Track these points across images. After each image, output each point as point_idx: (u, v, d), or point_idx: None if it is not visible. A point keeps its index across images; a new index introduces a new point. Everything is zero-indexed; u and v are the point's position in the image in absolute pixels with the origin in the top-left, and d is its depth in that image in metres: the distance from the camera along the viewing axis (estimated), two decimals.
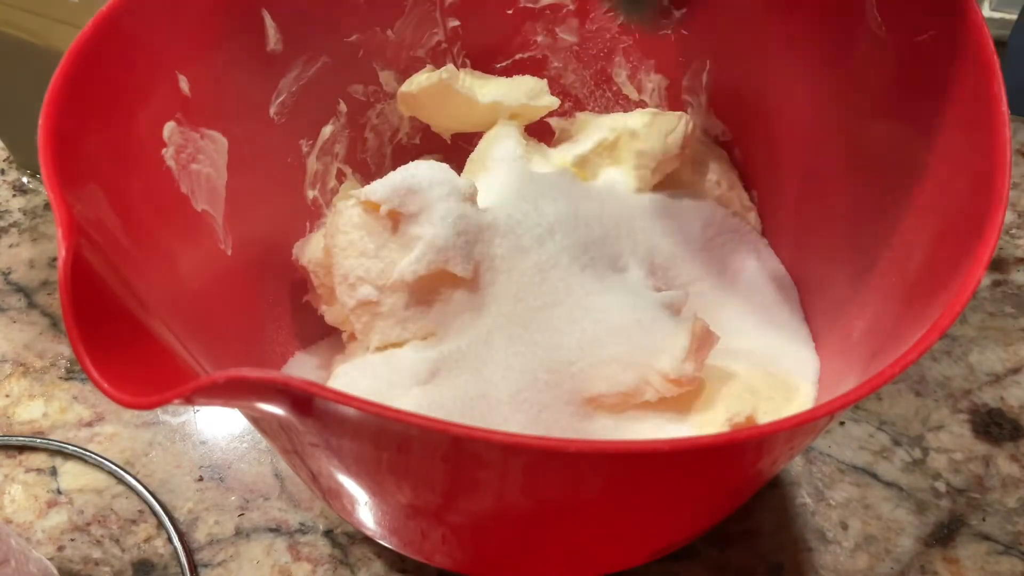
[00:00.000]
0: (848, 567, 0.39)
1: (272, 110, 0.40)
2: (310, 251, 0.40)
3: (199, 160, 0.35)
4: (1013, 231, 0.51)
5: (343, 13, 0.40)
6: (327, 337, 0.42)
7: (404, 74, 0.43)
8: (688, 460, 0.25)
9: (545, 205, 0.37)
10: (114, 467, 0.42)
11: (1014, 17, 0.57)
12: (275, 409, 0.23)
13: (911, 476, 0.42)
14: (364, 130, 0.45)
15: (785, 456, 0.31)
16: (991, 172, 0.27)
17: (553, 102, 0.43)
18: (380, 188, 0.35)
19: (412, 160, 0.36)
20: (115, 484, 0.42)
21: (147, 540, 0.40)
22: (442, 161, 0.36)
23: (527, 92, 0.43)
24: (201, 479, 0.42)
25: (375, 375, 0.35)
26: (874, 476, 0.42)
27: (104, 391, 0.22)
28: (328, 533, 0.40)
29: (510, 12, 0.44)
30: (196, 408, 0.45)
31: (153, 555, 0.40)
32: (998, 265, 0.50)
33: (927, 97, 0.32)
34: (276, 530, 0.40)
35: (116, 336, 0.25)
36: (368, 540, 0.40)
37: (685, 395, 0.34)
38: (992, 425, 0.44)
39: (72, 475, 0.42)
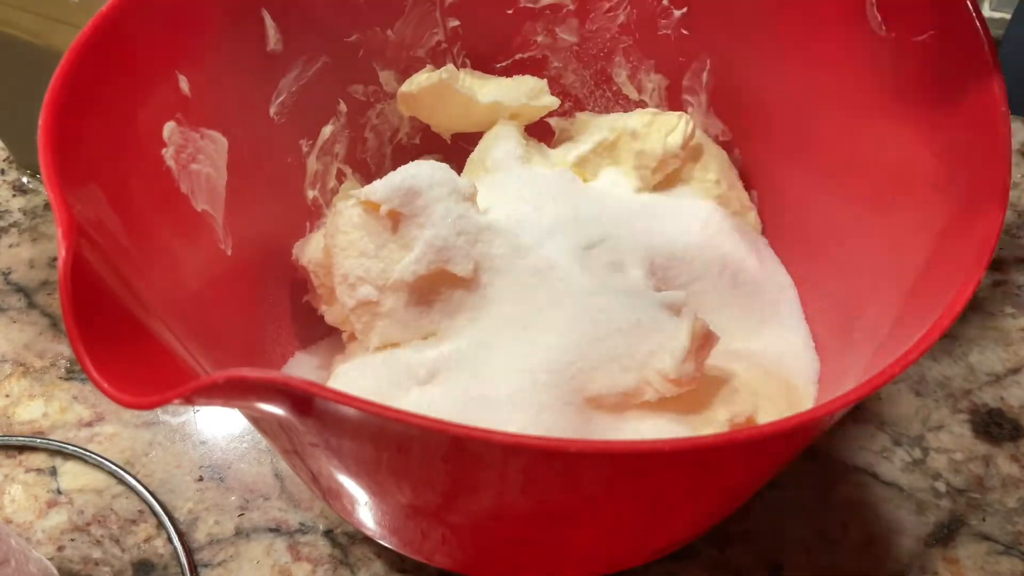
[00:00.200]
0: (848, 567, 0.39)
1: (272, 110, 0.40)
2: (310, 251, 0.40)
3: (199, 160, 0.35)
4: (1013, 231, 0.51)
5: (343, 13, 0.40)
6: (327, 337, 0.42)
7: (404, 74, 0.43)
8: (688, 460, 0.25)
9: (545, 205, 0.37)
10: (114, 467, 0.42)
11: None
12: (275, 409, 0.23)
13: (911, 476, 0.42)
14: (364, 130, 0.45)
15: (785, 456, 0.31)
16: (991, 172, 0.27)
17: (553, 102, 0.43)
18: (380, 188, 0.35)
19: (412, 160, 0.36)
20: (115, 484, 0.42)
21: (147, 540, 0.40)
22: (442, 161, 0.36)
23: (527, 92, 0.43)
24: (201, 479, 0.42)
25: (375, 375, 0.35)
26: (874, 476, 0.42)
27: (104, 391, 0.22)
28: (328, 533, 0.40)
29: (510, 12, 0.44)
30: (196, 408, 0.45)
31: (153, 555, 0.40)
32: (998, 265, 0.50)
33: (927, 97, 0.32)
34: (276, 530, 0.40)
35: (116, 336, 0.25)
36: (368, 540, 0.40)
37: (685, 395, 0.34)
38: (992, 425, 0.44)
39: (72, 475, 0.42)
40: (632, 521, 0.31)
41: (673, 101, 0.45)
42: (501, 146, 0.41)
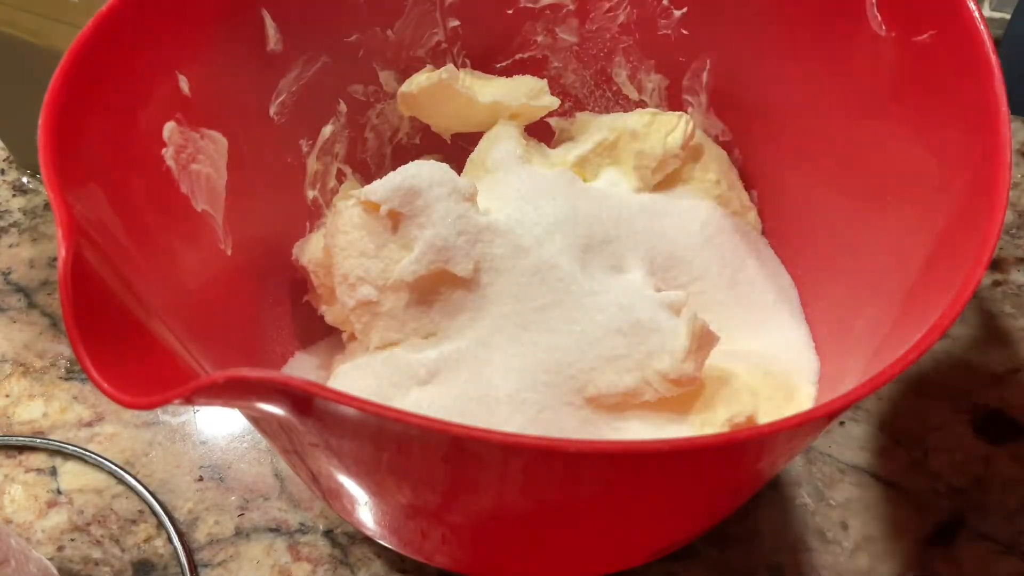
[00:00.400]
0: (848, 567, 0.39)
1: (272, 110, 0.40)
2: (310, 251, 0.40)
3: (199, 160, 0.35)
4: (1013, 231, 0.51)
5: (343, 13, 0.40)
6: (327, 337, 0.42)
7: (404, 74, 0.43)
8: (688, 460, 0.25)
9: (545, 205, 0.37)
10: (114, 467, 0.42)
11: None
12: (275, 409, 0.23)
13: (911, 476, 0.42)
14: (364, 130, 0.45)
15: (785, 456, 0.31)
16: (991, 172, 0.27)
17: (553, 102, 0.43)
18: (380, 188, 0.35)
19: (412, 160, 0.36)
20: (115, 484, 0.42)
21: (147, 540, 0.40)
22: (442, 161, 0.36)
23: (527, 92, 0.43)
24: (201, 479, 0.42)
25: (375, 375, 0.35)
26: (874, 476, 0.42)
27: (104, 391, 0.22)
28: (328, 533, 0.40)
29: (510, 12, 0.44)
30: (196, 408, 0.45)
31: (153, 555, 0.40)
32: (998, 265, 0.50)
33: (927, 97, 0.32)
34: (276, 530, 0.40)
35: (116, 336, 0.25)
36: (368, 540, 0.40)
37: (685, 395, 0.34)
38: (992, 425, 0.44)
39: (72, 475, 0.42)
40: (632, 521, 0.31)
41: (673, 101, 0.45)
42: (501, 146, 0.41)
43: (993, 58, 0.29)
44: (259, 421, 0.31)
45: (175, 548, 0.39)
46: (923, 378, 0.45)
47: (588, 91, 0.47)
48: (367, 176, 0.45)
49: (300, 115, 0.41)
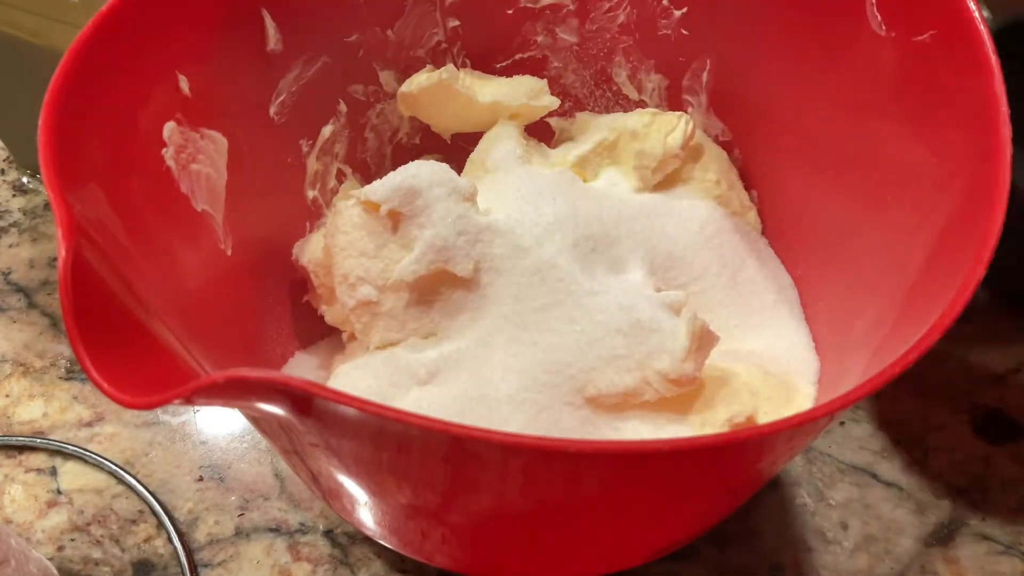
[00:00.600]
0: (848, 567, 0.39)
1: (272, 110, 0.40)
2: (310, 251, 0.40)
3: (199, 160, 0.35)
4: None
5: (343, 13, 0.40)
6: (327, 337, 0.42)
7: (404, 74, 0.43)
8: (688, 460, 0.25)
9: (545, 205, 0.37)
10: (114, 467, 0.42)
11: None
12: (275, 409, 0.23)
13: (911, 476, 0.42)
14: (364, 130, 0.45)
15: (785, 456, 0.31)
16: (991, 172, 0.27)
17: (553, 102, 0.43)
18: (380, 188, 0.35)
19: (412, 160, 0.36)
20: (115, 484, 0.42)
21: (147, 540, 0.40)
22: (442, 161, 0.36)
23: (527, 92, 0.43)
24: (201, 479, 0.42)
25: (375, 375, 0.35)
26: (874, 476, 0.42)
27: (104, 391, 0.22)
28: (328, 533, 0.40)
29: (510, 12, 0.44)
30: (196, 408, 0.45)
31: (153, 555, 0.40)
32: None
33: (927, 97, 0.32)
34: (276, 530, 0.40)
35: (116, 336, 0.25)
36: (368, 540, 0.40)
37: (685, 395, 0.34)
38: (992, 425, 0.44)
39: (72, 475, 0.42)
40: (632, 521, 0.31)
41: (673, 101, 0.45)
42: (501, 146, 0.41)
43: (993, 58, 0.29)
44: (259, 421, 0.31)
45: (175, 548, 0.39)
46: (923, 378, 0.45)
47: (588, 91, 0.47)
48: (367, 176, 0.45)
49: (300, 115, 0.41)
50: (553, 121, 0.46)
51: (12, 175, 0.54)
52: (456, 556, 0.35)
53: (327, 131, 0.42)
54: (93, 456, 0.42)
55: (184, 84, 0.34)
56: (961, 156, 0.30)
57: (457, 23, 0.44)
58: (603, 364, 0.33)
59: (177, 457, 0.43)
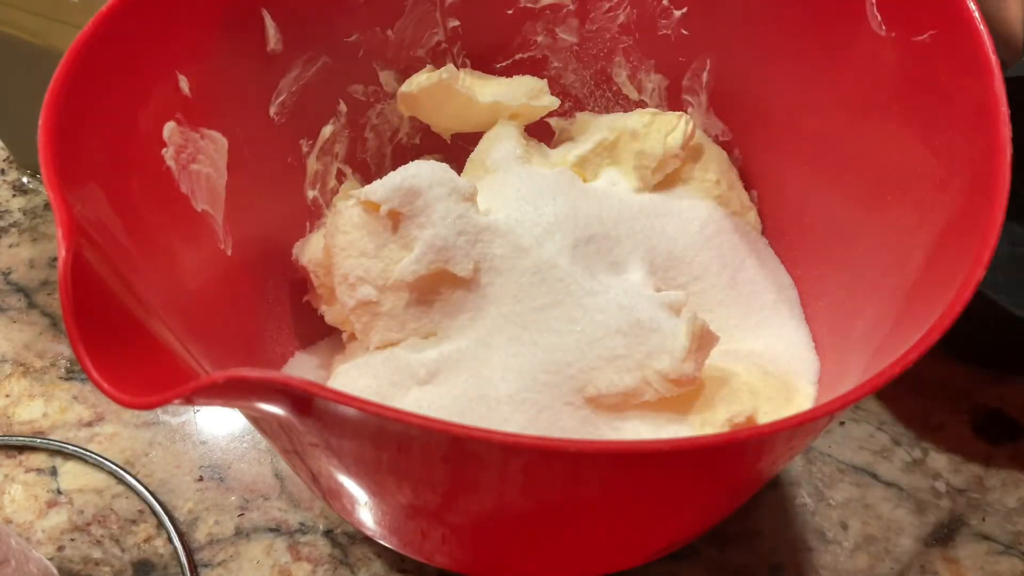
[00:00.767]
0: (848, 567, 0.39)
1: (272, 110, 0.40)
2: (310, 251, 0.40)
3: (199, 160, 0.35)
4: None
5: (343, 13, 0.40)
6: (327, 337, 0.42)
7: (404, 74, 0.43)
8: (688, 460, 0.25)
9: (545, 205, 0.37)
10: (114, 467, 0.42)
11: None
12: (275, 409, 0.23)
13: (911, 476, 0.42)
14: (364, 130, 0.45)
15: (785, 456, 0.31)
16: (991, 172, 0.27)
17: (553, 102, 0.43)
18: (380, 188, 0.35)
19: (412, 160, 0.36)
20: (115, 484, 0.42)
21: (147, 540, 0.40)
22: (442, 161, 0.36)
23: (527, 92, 0.43)
24: (201, 479, 0.42)
25: (375, 375, 0.35)
26: (874, 476, 0.42)
27: (104, 391, 0.22)
28: (328, 533, 0.40)
29: (510, 12, 0.44)
30: (196, 408, 0.45)
31: (153, 555, 0.40)
32: None
33: (927, 97, 0.32)
34: (276, 530, 0.40)
35: (116, 336, 0.25)
36: (368, 540, 0.40)
37: (685, 395, 0.34)
38: (992, 425, 0.44)
39: (72, 475, 0.42)
40: (632, 521, 0.31)
41: (673, 101, 0.45)
42: (501, 146, 0.41)
43: (993, 58, 0.29)
44: (259, 421, 0.31)
45: (175, 548, 0.39)
46: (923, 378, 0.45)
47: (588, 91, 0.47)
48: (367, 176, 0.45)
49: (300, 115, 0.41)
50: (553, 121, 0.46)
51: (12, 175, 0.54)
52: (456, 556, 0.35)
53: (327, 131, 0.42)
54: (93, 456, 0.42)
55: (184, 84, 0.34)
56: (961, 156, 0.30)
57: (457, 23, 0.44)
58: (603, 364, 0.33)
59: (177, 457, 0.43)
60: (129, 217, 0.30)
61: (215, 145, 0.36)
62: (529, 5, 0.44)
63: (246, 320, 0.39)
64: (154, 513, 0.41)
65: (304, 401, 0.22)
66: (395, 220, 0.35)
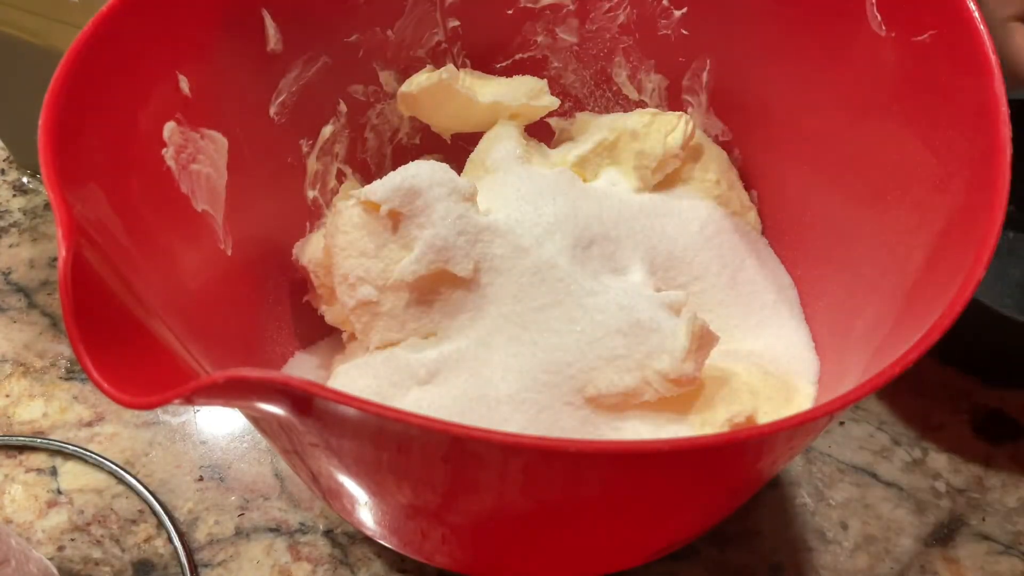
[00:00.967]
0: (848, 567, 0.39)
1: (272, 110, 0.40)
2: (310, 251, 0.40)
3: (199, 160, 0.35)
4: None
5: (343, 13, 0.40)
6: (327, 337, 0.42)
7: (404, 74, 0.43)
8: (688, 460, 0.25)
9: (545, 205, 0.37)
10: (114, 467, 0.42)
11: None
12: (275, 409, 0.23)
13: (911, 476, 0.42)
14: (364, 130, 0.45)
15: (785, 456, 0.31)
16: (990, 172, 0.27)
17: (553, 102, 0.43)
18: (380, 188, 0.35)
19: (412, 160, 0.36)
20: (115, 484, 0.42)
21: (147, 540, 0.40)
22: (442, 161, 0.36)
23: (527, 92, 0.43)
24: (201, 479, 0.42)
25: (375, 375, 0.35)
26: (874, 476, 0.42)
27: (104, 391, 0.22)
28: (328, 533, 0.40)
29: (510, 12, 0.44)
30: (196, 408, 0.45)
31: (153, 555, 0.40)
32: None
33: (927, 97, 0.32)
34: (276, 530, 0.40)
35: (116, 336, 0.25)
36: (368, 540, 0.40)
37: (685, 395, 0.34)
38: (992, 425, 0.44)
39: (72, 475, 0.42)
40: (632, 521, 0.31)
41: (673, 101, 0.45)
42: (501, 146, 0.41)
43: (993, 58, 0.29)
44: (259, 421, 0.31)
45: (175, 548, 0.39)
46: (923, 378, 0.45)
47: (588, 91, 0.47)
48: (367, 176, 0.45)
49: (300, 115, 0.41)
50: (553, 121, 0.46)
51: (12, 175, 0.54)
52: (456, 556, 0.35)
53: (327, 131, 0.42)
54: (93, 456, 0.42)
55: (184, 84, 0.34)
56: (961, 156, 0.30)
57: (457, 23, 0.44)
58: (603, 364, 0.33)
59: (177, 457, 0.43)
60: (129, 217, 0.30)
61: (215, 145, 0.36)
62: (529, 5, 0.44)
63: (246, 320, 0.39)
64: (154, 513, 0.41)
65: (304, 401, 0.22)
66: (395, 220, 0.35)
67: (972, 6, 0.30)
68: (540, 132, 0.45)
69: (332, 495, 0.33)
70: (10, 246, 0.51)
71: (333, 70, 0.41)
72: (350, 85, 0.43)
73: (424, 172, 0.35)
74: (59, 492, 0.42)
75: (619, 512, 0.30)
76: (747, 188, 0.44)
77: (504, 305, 0.35)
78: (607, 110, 0.47)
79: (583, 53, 0.46)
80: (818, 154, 0.39)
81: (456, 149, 0.45)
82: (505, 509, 0.29)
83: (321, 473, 0.31)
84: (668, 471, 0.27)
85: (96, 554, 0.40)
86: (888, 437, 0.43)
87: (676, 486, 0.29)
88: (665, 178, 0.42)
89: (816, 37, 0.37)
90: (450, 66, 0.41)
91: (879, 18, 0.34)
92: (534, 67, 0.46)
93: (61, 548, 0.40)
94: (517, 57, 0.46)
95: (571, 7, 0.44)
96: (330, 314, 0.40)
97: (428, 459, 0.26)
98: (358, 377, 0.35)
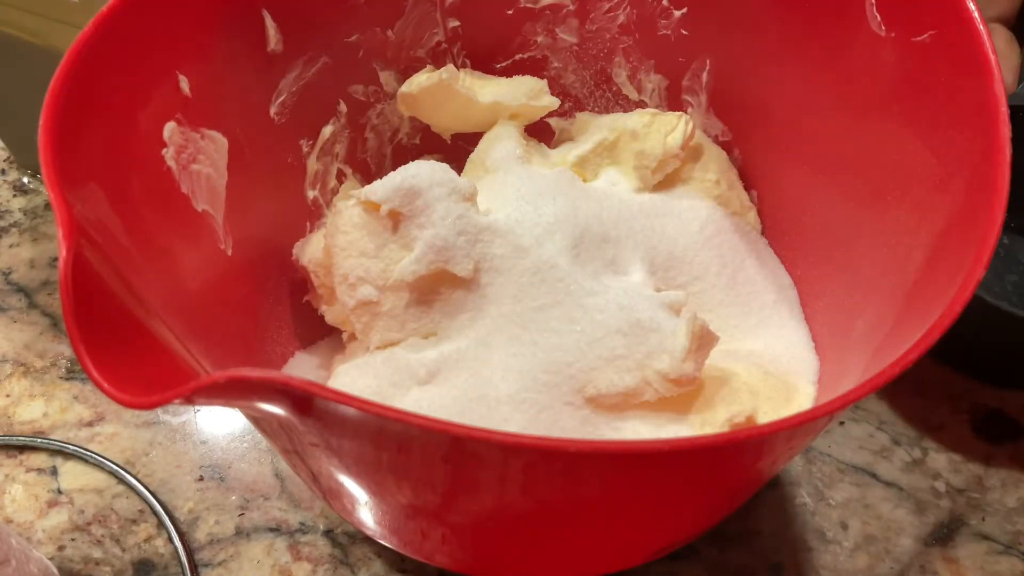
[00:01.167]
0: (848, 567, 0.39)
1: (272, 110, 0.40)
2: (310, 251, 0.40)
3: (199, 160, 0.35)
4: None
5: (343, 13, 0.40)
6: (327, 337, 0.42)
7: (404, 74, 0.43)
8: (688, 460, 0.25)
9: (545, 205, 0.37)
10: (114, 467, 0.42)
11: None
12: (275, 409, 0.23)
13: (911, 476, 0.42)
14: (364, 130, 0.45)
15: (785, 456, 0.31)
16: (990, 172, 0.27)
17: (553, 102, 0.43)
18: (380, 188, 0.35)
19: (412, 160, 0.36)
20: (115, 484, 0.42)
21: (147, 540, 0.40)
22: (442, 161, 0.36)
23: (527, 92, 0.43)
24: (201, 479, 0.42)
25: (375, 375, 0.35)
26: (874, 476, 0.42)
27: (104, 391, 0.22)
28: (328, 533, 0.40)
29: (510, 12, 0.44)
30: (196, 408, 0.45)
31: (153, 555, 0.40)
32: None
33: (927, 97, 0.32)
34: (276, 530, 0.40)
35: (116, 336, 0.25)
36: (368, 540, 0.40)
37: (685, 395, 0.34)
38: (992, 425, 0.44)
39: (72, 475, 0.42)
40: (632, 521, 0.31)
41: (673, 101, 0.45)
42: (501, 146, 0.41)
43: (993, 58, 0.29)
44: (259, 421, 0.31)
45: (175, 548, 0.39)
46: (923, 378, 0.45)
47: (588, 91, 0.47)
48: (367, 176, 0.45)
49: (300, 115, 0.41)
50: (553, 121, 0.46)
51: (12, 175, 0.54)
52: (456, 556, 0.35)
53: (327, 131, 0.42)
54: (93, 456, 0.42)
55: (184, 84, 0.34)
56: (961, 156, 0.30)
57: (457, 23, 0.44)
58: (603, 364, 0.33)
59: (177, 457, 0.43)
60: (129, 217, 0.30)
61: (215, 145, 0.36)
62: (529, 5, 0.44)
63: (246, 320, 0.39)
64: (154, 513, 0.41)
65: (304, 401, 0.22)
66: (395, 220, 0.35)
67: (972, 6, 0.30)
68: (540, 132, 0.45)
69: (332, 495, 0.33)
70: (10, 246, 0.51)
71: (333, 70, 0.41)
72: (350, 85, 0.43)
73: (424, 172, 0.35)
74: (59, 492, 0.42)
75: (619, 512, 0.30)
76: (747, 188, 0.44)
77: (504, 305, 0.35)
78: (607, 110, 0.47)
79: (583, 53, 0.46)
80: (818, 154, 0.39)
81: (456, 149, 0.45)
82: (505, 509, 0.29)
83: (321, 473, 0.31)
84: (668, 471, 0.27)
85: (96, 554, 0.40)
86: (888, 437, 0.43)
87: (676, 486, 0.29)
88: (665, 178, 0.42)
89: (816, 37, 0.37)
90: (450, 66, 0.41)
91: (879, 18, 0.34)
92: (534, 67, 0.46)
93: (61, 548, 0.40)
94: (517, 57, 0.46)
95: (571, 7, 0.44)
96: (330, 314, 0.40)
97: (428, 459, 0.26)
98: (358, 377, 0.35)
